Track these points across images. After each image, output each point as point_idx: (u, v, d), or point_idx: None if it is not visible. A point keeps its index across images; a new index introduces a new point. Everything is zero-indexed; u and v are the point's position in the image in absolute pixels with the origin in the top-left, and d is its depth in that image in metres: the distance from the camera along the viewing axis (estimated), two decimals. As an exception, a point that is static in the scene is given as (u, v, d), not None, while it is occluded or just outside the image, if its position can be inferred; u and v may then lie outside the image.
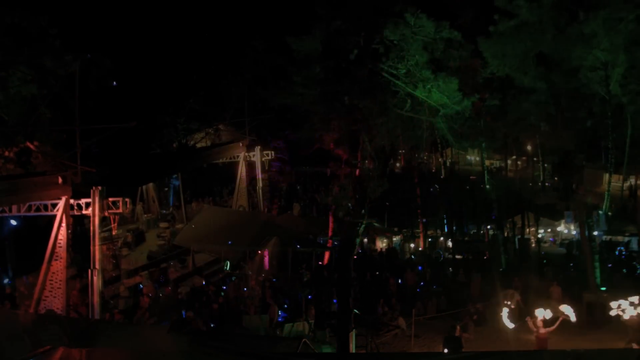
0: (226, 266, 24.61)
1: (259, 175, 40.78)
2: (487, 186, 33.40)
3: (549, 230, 37.51)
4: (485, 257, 32.82)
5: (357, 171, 70.21)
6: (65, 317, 18.61)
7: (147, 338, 18.00)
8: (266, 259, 23.58)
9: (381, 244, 36.92)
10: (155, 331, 18.97)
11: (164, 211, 38.83)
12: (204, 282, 26.11)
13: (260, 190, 40.89)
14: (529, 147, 73.51)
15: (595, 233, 29.53)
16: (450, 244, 36.79)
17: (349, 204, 42.40)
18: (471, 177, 66.75)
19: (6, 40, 32.83)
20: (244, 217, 26.74)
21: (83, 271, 24.09)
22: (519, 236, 34.22)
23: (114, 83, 48.72)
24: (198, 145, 44.12)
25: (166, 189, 43.04)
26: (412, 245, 36.83)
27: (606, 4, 35.36)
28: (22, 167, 34.42)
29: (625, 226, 35.64)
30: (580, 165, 63.42)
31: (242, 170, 39.00)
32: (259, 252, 22.71)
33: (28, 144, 37.42)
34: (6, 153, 35.89)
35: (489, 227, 36.27)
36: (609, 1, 35.33)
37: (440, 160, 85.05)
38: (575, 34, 37.38)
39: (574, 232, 34.92)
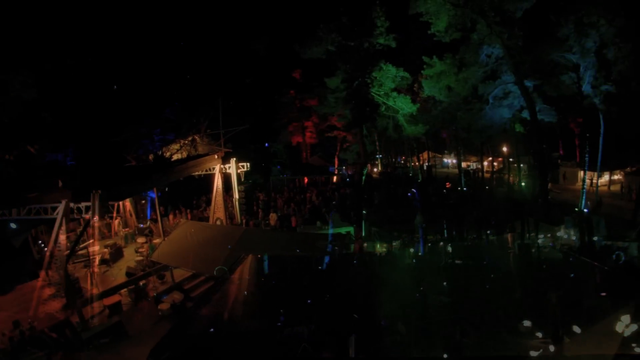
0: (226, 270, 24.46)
1: (235, 188, 40.68)
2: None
3: (549, 235, 37.82)
4: (484, 262, 32.94)
5: (334, 178, 70.89)
6: (50, 338, 18.36)
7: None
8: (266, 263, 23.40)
9: (381, 248, 36.90)
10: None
11: (142, 225, 38.48)
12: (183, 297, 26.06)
13: (237, 202, 40.79)
14: (504, 149, 74.32)
15: (595, 238, 29.85)
16: (450, 249, 36.85)
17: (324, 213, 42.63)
18: (447, 184, 67.05)
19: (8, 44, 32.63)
20: (220, 232, 26.61)
21: (62, 290, 23.89)
22: (519, 241, 34.47)
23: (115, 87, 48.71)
24: (174, 157, 43.85)
25: (143, 201, 42.67)
26: (412, 250, 36.80)
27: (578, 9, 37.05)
28: (22, 171, 34.10)
29: (626, 231, 36.19)
30: (555, 164, 64.74)
31: (218, 182, 38.85)
32: (259, 255, 22.51)
33: (28, 147, 37.27)
34: (7, 156, 35.61)
35: (488, 232, 36.43)
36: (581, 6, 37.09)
37: (417, 163, 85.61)
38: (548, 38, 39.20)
39: (573, 238, 35.22)
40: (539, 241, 34.30)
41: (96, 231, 36.14)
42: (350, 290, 9.84)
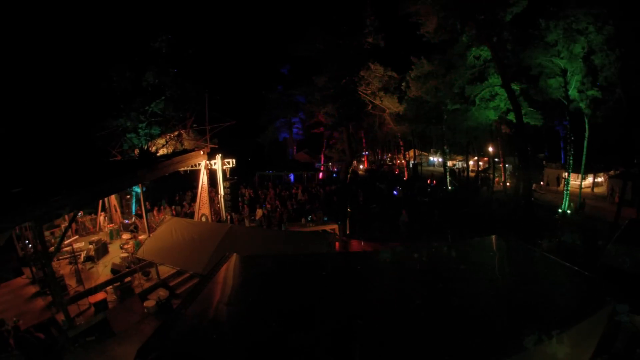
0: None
1: (221, 184, 40.50)
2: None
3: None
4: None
5: (320, 174, 70.91)
6: (36, 338, 18.19)
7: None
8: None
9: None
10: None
11: (126, 221, 38.23)
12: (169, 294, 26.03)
13: (222, 199, 40.65)
14: (490, 149, 74.69)
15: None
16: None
17: (308, 211, 42.62)
18: (430, 181, 67.47)
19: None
20: (206, 229, 26.48)
21: (45, 287, 23.74)
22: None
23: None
24: (160, 152, 43.50)
25: (128, 196, 42.41)
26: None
27: (567, 15, 37.61)
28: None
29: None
30: (540, 165, 65.33)
31: (203, 178, 38.65)
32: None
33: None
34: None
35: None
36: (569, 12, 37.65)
37: (403, 161, 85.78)
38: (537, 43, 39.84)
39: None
40: (544, 245, 34.46)
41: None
42: (352, 294, 9.78)
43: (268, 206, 45.01)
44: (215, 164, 39.97)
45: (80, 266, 26.90)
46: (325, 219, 39.78)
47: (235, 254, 11.98)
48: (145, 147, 43.27)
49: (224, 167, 40.84)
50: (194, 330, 7.86)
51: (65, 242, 29.10)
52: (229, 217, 40.59)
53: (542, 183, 62.71)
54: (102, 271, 27.72)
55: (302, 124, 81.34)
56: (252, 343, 7.49)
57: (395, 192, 56.50)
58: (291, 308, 8.87)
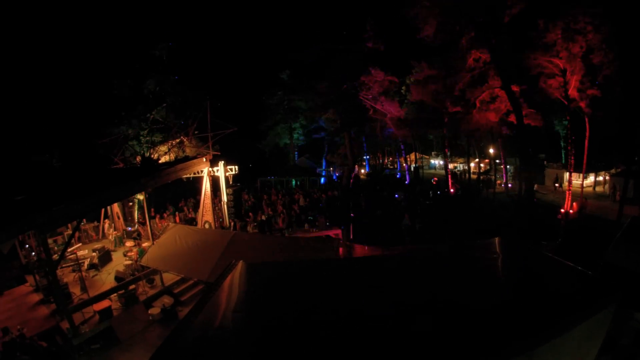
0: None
1: (224, 190, 40.44)
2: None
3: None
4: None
5: (322, 179, 70.81)
6: (41, 346, 18.18)
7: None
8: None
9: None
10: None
11: (129, 228, 38.22)
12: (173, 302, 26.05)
13: (225, 206, 40.61)
14: (491, 150, 74.72)
15: None
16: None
17: (311, 216, 42.62)
18: (433, 180, 67.59)
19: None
20: (209, 237, 26.44)
21: (49, 295, 23.76)
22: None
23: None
24: (162, 159, 43.44)
25: (130, 203, 42.37)
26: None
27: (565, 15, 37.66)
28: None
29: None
30: (541, 166, 65.39)
31: (206, 185, 38.57)
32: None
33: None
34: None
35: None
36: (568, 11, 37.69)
37: (404, 164, 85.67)
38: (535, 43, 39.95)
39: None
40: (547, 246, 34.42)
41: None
42: (359, 299, 9.64)
43: (269, 212, 44.94)
44: (217, 170, 39.92)
45: (84, 274, 26.90)
46: (328, 224, 39.82)
47: (241, 261, 11.94)
48: (147, 154, 43.26)
49: (227, 173, 40.78)
50: (203, 339, 7.87)
51: (69, 249, 29.09)
52: (232, 223, 40.50)
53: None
54: (106, 279, 27.70)
55: (303, 129, 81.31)
56: (261, 350, 7.51)
57: (396, 196, 56.48)
58: (299, 314, 8.88)
